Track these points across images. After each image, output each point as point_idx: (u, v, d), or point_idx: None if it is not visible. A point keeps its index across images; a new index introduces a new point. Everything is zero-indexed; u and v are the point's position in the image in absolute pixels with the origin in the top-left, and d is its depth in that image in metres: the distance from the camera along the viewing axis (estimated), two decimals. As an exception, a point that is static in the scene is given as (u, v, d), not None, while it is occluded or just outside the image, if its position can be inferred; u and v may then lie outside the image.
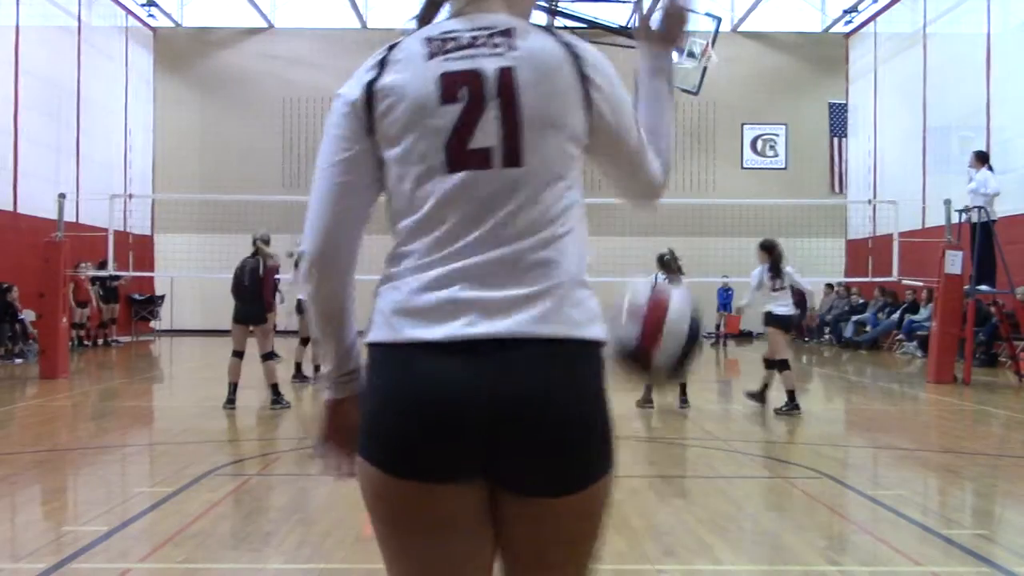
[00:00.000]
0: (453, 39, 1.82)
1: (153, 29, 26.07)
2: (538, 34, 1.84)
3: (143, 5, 24.61)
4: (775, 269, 10.42)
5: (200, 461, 7.30)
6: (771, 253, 10.48)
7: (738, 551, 5.00)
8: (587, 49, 1.84)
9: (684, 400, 10.57)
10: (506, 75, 1.77)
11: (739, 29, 26.04)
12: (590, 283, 1.81)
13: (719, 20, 21.35)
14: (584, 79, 1.81)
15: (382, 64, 1.83)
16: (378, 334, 1.77)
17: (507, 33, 1.82)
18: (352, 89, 1.84)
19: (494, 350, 1.69)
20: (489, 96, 1.76)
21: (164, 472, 7.14)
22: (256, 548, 4.93)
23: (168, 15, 25.84)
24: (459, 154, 1.75)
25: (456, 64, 1.79)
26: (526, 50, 1.80)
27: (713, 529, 5.36)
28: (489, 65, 1.78)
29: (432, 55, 1.80)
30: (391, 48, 1.85)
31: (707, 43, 20.64)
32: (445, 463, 1.71)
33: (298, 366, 13.23)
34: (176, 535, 5.12)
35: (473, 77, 1.77)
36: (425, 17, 1.94)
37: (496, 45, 1.80)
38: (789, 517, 5.79)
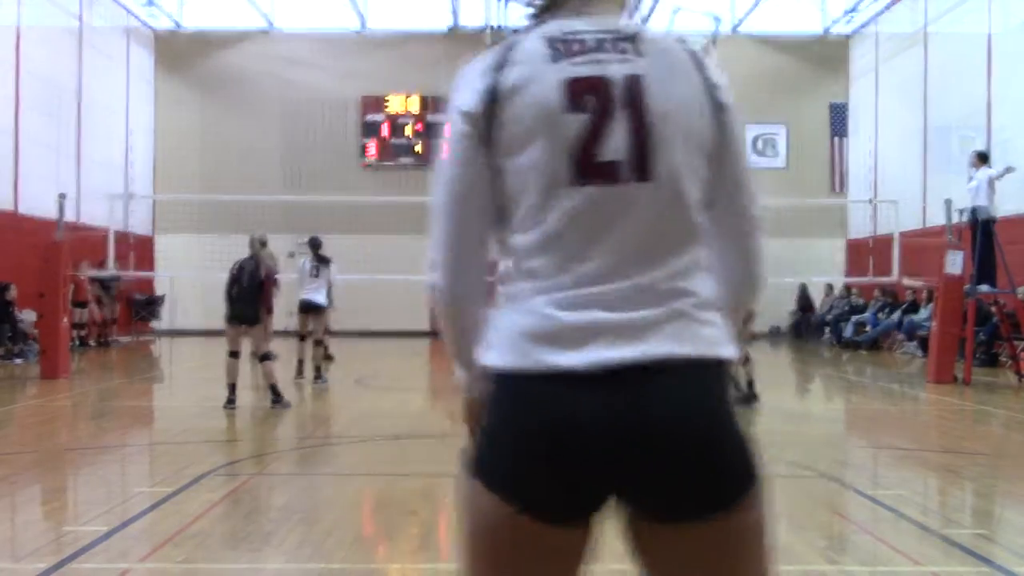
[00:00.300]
0: (579, 41, 1.71)
1: (154, 30, 26.08)
2: (664, 40, 1.76)
3: (144, 6, 24.61)
4: None
5: (200, 461, 7.30)
6: None
7: (738, 551, 4.99)
8: (704, 55, 1.79)
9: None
10: (635, 83, 1.68)
11: (739, 30, 26.02)
12: (719, 303, 1.74)
13: (719, 20, 21.34)
14: (711, 86, 1.76)
15: (501, 66, 1.71)
16: (506, 359, 1.66)
17: (633, 39, 1.73)
18: (468, 98, 1.71)
19: (634, 377, 1.61)
20: (618, 105, 1.67)
21: (164, 472, 7.14)
22: (256, 548, 4.93)
23: (169, 16, 25.86)
24: (586, 167, 1.65)
25: (582, 69, 1.68)
26: (655, 57, 1.72)
27: (713, 529, 5.35)
28: (617, 72, 1.68)
29: (556, 58, 1.69)
30: (509, 49, 1.73)
31: (707, 43, 20.62)
32: (579, 502, 1.64)
33: (300, 363, 13.23)
34: (176, 535, 5.11)
35: (601, 84, 1.67)
36: (540, 15, 1.82)
37: (623, 51, 1.71)
38: (789, 517, 5.77)
